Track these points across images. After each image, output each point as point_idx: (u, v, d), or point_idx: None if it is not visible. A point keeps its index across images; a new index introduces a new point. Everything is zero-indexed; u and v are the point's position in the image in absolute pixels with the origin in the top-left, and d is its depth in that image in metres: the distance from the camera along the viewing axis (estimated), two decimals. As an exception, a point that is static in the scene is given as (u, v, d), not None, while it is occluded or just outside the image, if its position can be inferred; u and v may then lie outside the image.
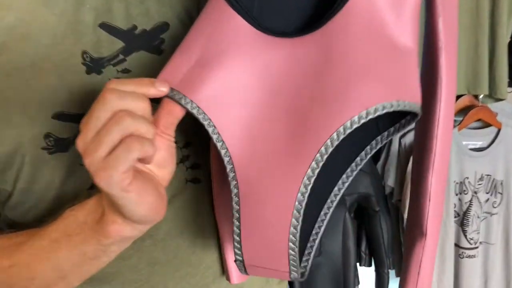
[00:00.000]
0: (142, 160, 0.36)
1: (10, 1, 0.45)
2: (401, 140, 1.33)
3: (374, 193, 1.35)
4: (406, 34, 0.39)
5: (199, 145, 0.52)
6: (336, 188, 0.44)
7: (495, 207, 1.32)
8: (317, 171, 0.38)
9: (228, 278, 0.54)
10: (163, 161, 0.40)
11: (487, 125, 1.28)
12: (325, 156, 0.37)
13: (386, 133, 0.44)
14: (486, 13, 1.16)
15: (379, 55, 0.38)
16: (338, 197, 0.44)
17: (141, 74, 0.49)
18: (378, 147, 0.44)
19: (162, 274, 0.52)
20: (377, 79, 0.37)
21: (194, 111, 0.38)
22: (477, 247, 1.29)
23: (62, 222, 0.42)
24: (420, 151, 0.47)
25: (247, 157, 0.39)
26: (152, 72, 0.47)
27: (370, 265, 1.45)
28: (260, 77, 0.39)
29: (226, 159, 0.39)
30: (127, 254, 0.44)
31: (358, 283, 1.42)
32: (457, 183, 1.30)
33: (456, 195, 1.31)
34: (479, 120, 1.27)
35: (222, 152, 0.39)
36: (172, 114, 0.39)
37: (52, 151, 0.46)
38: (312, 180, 0.38)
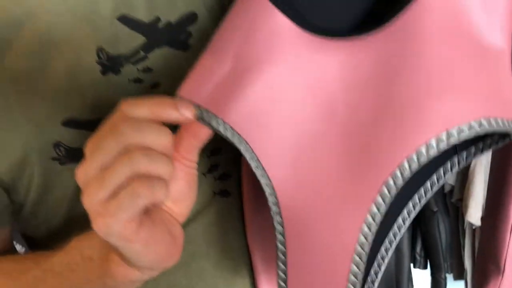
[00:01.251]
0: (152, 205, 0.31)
1: None
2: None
3: (432, 192, 1.25)
4: (496, 31, 0.31)
5: (229, 152, 0.45)
6: (400, 219, 0.37)
7: None
8: (383, 208, 0.30)
9: None
10: (181, 194, 0.34)
11: None
12: (393, 192, 0.30)
13: (465, 153, 0.35)
14: None
15: (463, 60, 0.30)
16: (402, 231, 0.36)
17: (165, 73, 0.44)
18: (454, 171, 0.36)
19: None
20: (461, 91, 0.29)
21: (228, 134, 0.32)
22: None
23: (67, 254, 0.37)
24: (502, 165, 0.38)
25: (293, 189, 0.32)
26: (178, 71, 0.42)
27: (425, 267, 1.36)
28: (308, 90, 0.32)
29: (267, 191, 0.32)
30: None
31: (412, 287, 1.34)
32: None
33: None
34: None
35: (262, 181, 0.32)
36: (198, 137, 0.33)
37: (63, 162, 0.42)
38: (378, 219, 0.30)
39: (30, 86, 0.40)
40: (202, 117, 0.32)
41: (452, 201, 1.32)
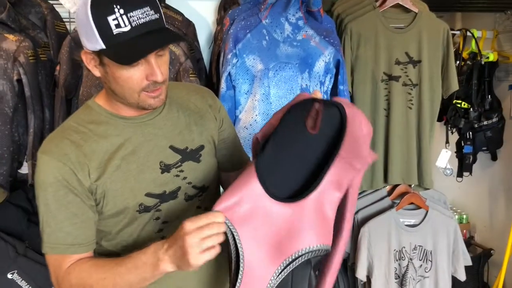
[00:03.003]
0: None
1: (129, 134, 0.84)
2: (355, 216, 1.69)
3: (334, 257, 1.67)
4: (332, 210, 0.76)
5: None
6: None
7: (426, 272, 1.67)
8: (283, 267, 0.74)
9: None
10: None
11: (418, 207, 1.66)
12: (288, 262, 0.73)
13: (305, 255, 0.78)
14: (414, 126, 1.58)
15: (318, 220, 0.74)
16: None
17: (189, 173, 0.88)
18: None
19: None
20: (316, 233, 0.73)
21: (233, 231, 0.73)
22: (411, 304, 1.62)
23: (133, 259, 0.76)
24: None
25: (251, 254, 0.74)
26: (195, 172, 0.89)
27: (331, 316, 1.74)
28: (268, 218, 0.75)
29: (241, 255, 0.74)
30: None
31: (320, 331, 1.71)
32: (396, 251, 1.65)
33: (396, 261, 1.66)
34: (412, 203, 1.65)
35: (240, 251, 0.74)
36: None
37: (141, 212, 0.84)
38: (280, 271, 0.74)
39: (133, 179, 0.83)
40: (225, 222, 0.72)
41: (349, 264, 1.76)
